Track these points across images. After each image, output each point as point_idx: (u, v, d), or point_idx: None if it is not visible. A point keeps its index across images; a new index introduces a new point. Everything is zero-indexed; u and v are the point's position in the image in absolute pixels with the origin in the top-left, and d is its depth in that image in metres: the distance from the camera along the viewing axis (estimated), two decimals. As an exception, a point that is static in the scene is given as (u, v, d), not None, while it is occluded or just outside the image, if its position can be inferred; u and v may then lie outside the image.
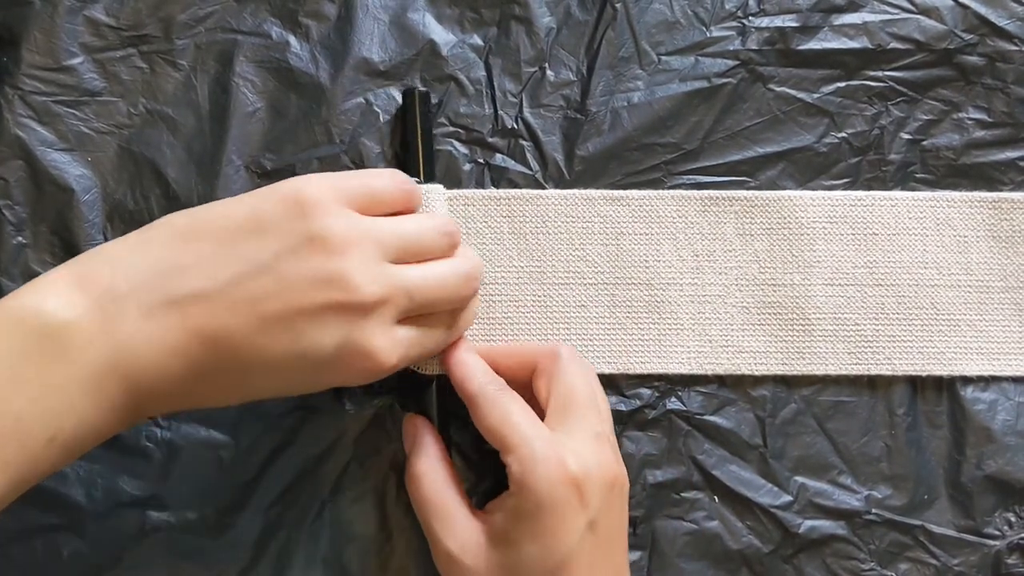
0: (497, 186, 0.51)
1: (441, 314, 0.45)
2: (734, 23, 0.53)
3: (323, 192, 0.41)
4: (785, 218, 0.51)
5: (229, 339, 0.39)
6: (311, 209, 0.40)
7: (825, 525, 0.49)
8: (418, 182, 0.48)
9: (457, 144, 0.52)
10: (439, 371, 0.48)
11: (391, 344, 0.41)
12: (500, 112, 0.52)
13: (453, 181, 0.51)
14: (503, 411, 0.43)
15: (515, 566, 0.41)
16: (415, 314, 0.43)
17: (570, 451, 0.41)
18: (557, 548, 0.41)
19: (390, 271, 0.41)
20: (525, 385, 0.46)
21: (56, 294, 0.38)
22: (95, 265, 0.39)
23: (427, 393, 0.48)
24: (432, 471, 0.45)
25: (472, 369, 0.45)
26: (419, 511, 0.45)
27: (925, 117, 0.53)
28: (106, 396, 0.38)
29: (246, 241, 0.40)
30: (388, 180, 0.44)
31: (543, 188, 0.51)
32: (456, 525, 0.43)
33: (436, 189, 0.49)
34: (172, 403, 0.41)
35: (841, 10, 0.53)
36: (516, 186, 0.51)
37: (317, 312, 0.39)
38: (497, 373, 0.46)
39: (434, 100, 0.52)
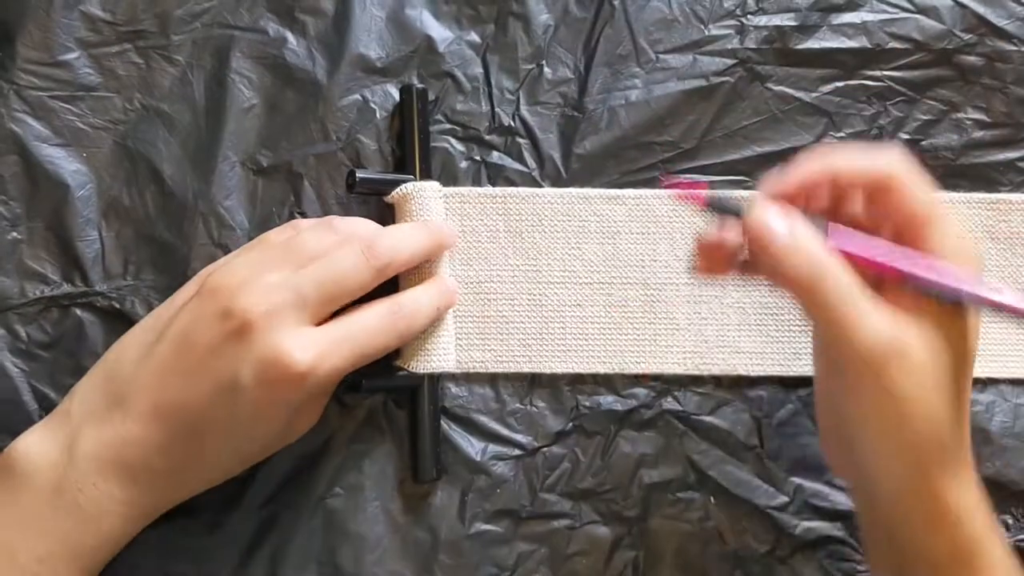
0: (494, 184, 0.51)
1: (377, 301, 0.45)
2: (732, 21, 0.53)
3: (224, 258, 0.47)
4: (782, 218, 0.51)
5: (166, 410, 0.42)
6: (207, 271, 0.46)
7: (821, 526, 0.49)
8: (414, 180, 0.49)
9: (454, 141, 0.51)
10: (430, 369, 0.48)
11: (298, 345, 0.41)
12: (497, 109, 0.52)
13: (449, 178, 0.51)
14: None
15: (965, 353, 0.40)
16: (325, 312, 0.43)
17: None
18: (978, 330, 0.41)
19: (273, 283, 0.42)
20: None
21: (29, 434, 0.43)
22: (62, 404, 0.44)
23: (419, 391, 0.48)
24: (836, 259, 0.38)
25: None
26: (834, 303, 0.38)
27: (924, 117, 0.53)
28: (84, 510, 0.41)
29: (161, 322, 0.44)
30: (282, 229, 0.47)
31: (540, 186, 0.51)
32: (890, 315, 0.38)
33: (431, 186, 0.49)
34: (164, 494, 0.44)
35: (840, 9, 0.53)
36: (513, 184, 0.51)
37: (219, 347, 0.41)
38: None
39: (431, 97, 0.51)
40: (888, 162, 0.40)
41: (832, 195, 0.41)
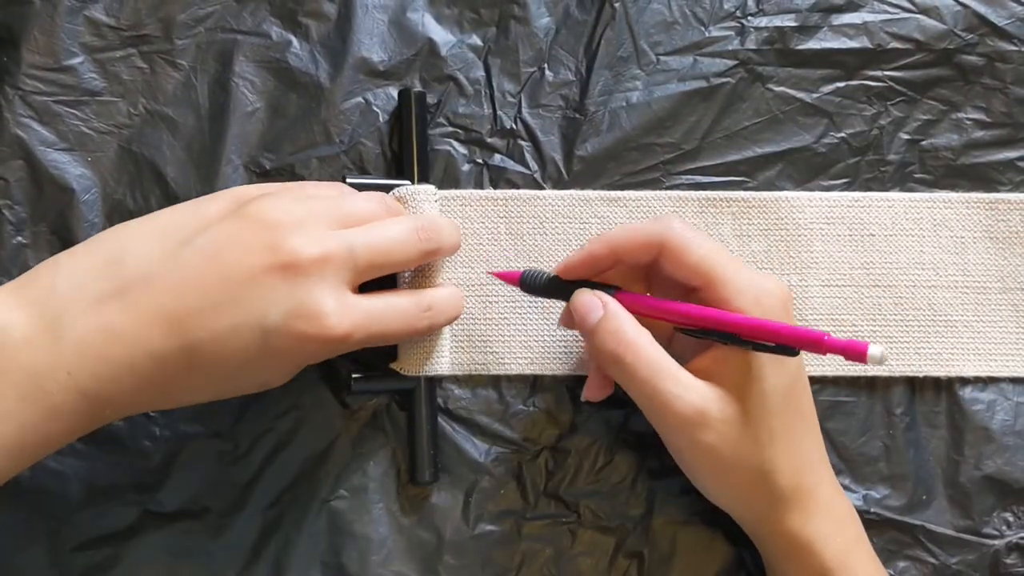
0: (496, 186, 0.51)
1: (405, 291, 0.45)
2: (733, 23, 0.53)
3: (262, 188, 0.44)
4: (782, 219, 0.51)
5: (176, 318, 0.39)
6: (247, 194, 0.42)
7: (823, 525, 0.49)
8: (410, 183, 0.49)
9: (456, 144, 0.52)
10: (423, 372, 0.48)
11: (339, 307, 0.40)
12: (499, 112, 0.52)
13: (451, 181, 0.51)
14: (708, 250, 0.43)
15: (766, 399, 0.42)
16: (367, 277, 0.42)
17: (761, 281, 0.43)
18: (791, 366, 0.43)
19: (328, 232, 0.41)
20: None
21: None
22: (38, 272, 0.40)
23: (416, 394, 0.48)
24: (643, 335, 0.42)
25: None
26: (643, 379, 0.42)
27: (924, 117, 0.53)
28: (50, 399, 0.38)
29: (186, 228, 0.41)
30: (325, 187, 0.45)
31: (542, 188, 0.51)
32: (692, 382, 0.42)
33: (426, 190, 0.49)
34: (135, 402, 0.40)
35: (840, 10, 0.53)
36: (515, 186, 0.51)
37: (258, 277, 0.39)
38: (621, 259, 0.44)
39: (433, 100, 0.52)
40: (658, 229, 0.43)
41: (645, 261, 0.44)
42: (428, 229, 0.44)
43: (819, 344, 0.39)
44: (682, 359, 0.43)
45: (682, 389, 0.41)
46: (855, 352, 0.38)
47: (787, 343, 0.40)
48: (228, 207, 0.42)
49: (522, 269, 0.46)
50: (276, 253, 0.39)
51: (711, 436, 0.42)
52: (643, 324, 0.43)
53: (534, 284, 0.46)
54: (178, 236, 0.40)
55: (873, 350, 0.37)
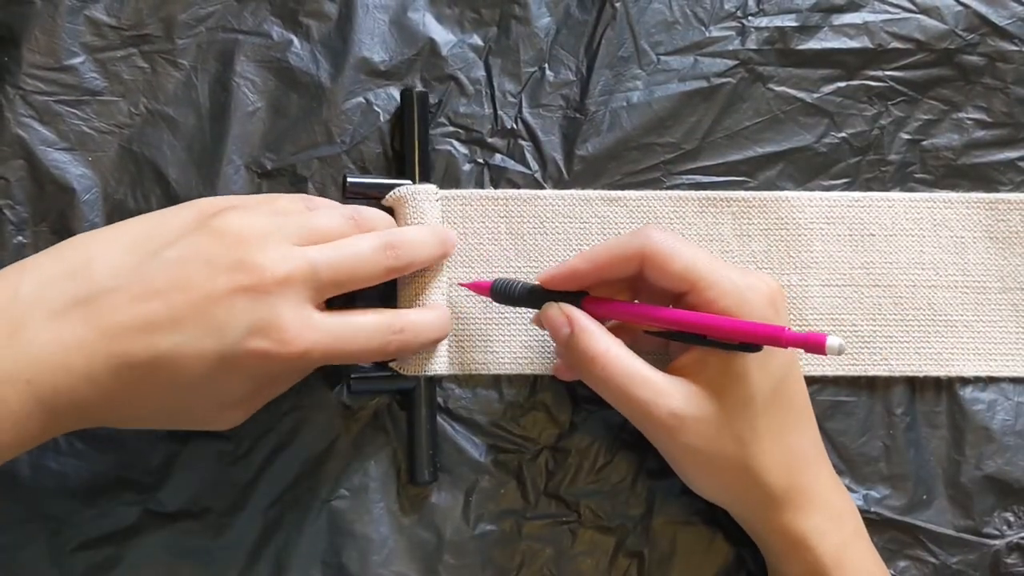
0: (496, 186, 0.51)
1: (379, 310, 0.45)
2: (733, 23, 0.53)
3: (229, 200, 0.44)
4: (782, 219, 0.51)
5: (138, 330, 0.39)
6: (214, 206, 0.42)
7: (823, 525, 0.49)
8: (407, 183, 0.49)
9: (457, 144, 0.52)
10: (420, 372, 0.48)
11: (299, 325, 0.40)
12: (500, 112, 0.52)
13: (452, 181, 0.51)
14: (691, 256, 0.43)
15: (749, 397, 0.42)
16: (330, 294, 0.42)
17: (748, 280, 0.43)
18: (777, 364, 0.43)
19: (292, 249, 0.41)
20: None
21: None
22: (3, 276, 0.40)
23: (416, 394, 0.48)
24: (613, 345, 0.43)
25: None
26: (616, 388, 0.42)
27: (925, 117, 0.53)
28: (7, 407, 0.37)
29: (153, 240, 0.41)
30: (293, 200, 0.45)
31: (542, 188, 0.51)
32: (665, 385, 0.42)
33: (427, 189, 0.49)
34: (91, 414, 0.40)
35: (841, 10, 0.53)
36: (515, 186, 0.51)
37: (221, 292, 0.39)
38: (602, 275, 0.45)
39: (434, 100, 0.52)
40: (638, 243, 0.43)
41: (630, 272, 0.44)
42: (397, 247, 0.44)
43: (779, 338, 0.39)
44: (675, 356, 0.44)
45: (654, 394, 0.42)
46: (814, 344, 0.38)
47: (747, 339, 0.40)
48: (195, 219, 0.42)
49: (492, 280, 0.47)
50: (240, 270, 0.40)
51: (689, 437, 0.42)
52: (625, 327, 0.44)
53: (505, 295, 0.46)
54: (145, 248, 0.41)
55: (831, 341, 0.37)
